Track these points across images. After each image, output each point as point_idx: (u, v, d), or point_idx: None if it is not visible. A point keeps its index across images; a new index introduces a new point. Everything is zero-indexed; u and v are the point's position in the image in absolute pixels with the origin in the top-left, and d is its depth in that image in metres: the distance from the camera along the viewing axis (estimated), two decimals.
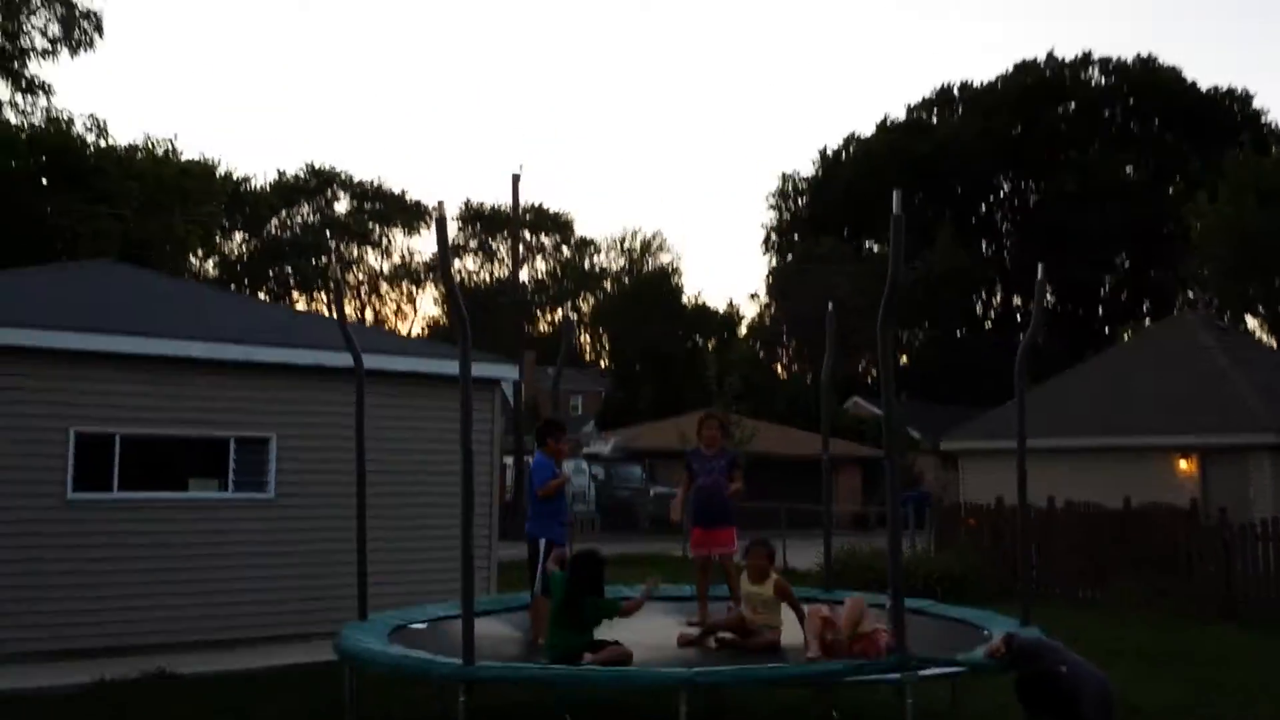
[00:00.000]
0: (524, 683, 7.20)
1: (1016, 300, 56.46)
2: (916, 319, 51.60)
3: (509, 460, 16.18)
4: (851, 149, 59.50)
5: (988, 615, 8.03)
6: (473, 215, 70.37)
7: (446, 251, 6.41)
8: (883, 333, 5.86)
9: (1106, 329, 54.53)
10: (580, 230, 77.90)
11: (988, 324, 57.20)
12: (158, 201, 35.96)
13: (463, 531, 5.83)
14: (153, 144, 36.87)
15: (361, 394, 7.58)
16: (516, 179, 32.05)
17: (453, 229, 66.58)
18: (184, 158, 37.86)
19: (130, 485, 11.20)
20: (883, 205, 6.29)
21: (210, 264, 55.71)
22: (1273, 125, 55.34)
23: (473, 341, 6.17)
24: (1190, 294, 45.12)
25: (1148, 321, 50.93)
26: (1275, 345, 37.69)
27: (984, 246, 57.40)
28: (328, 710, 6.80)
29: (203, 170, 41.54)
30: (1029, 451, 7.98)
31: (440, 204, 6.34)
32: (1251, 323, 41.58)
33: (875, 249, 53.78)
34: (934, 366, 49.91)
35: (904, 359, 52.55)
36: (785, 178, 62.75)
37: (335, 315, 10.23)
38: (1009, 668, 6.33)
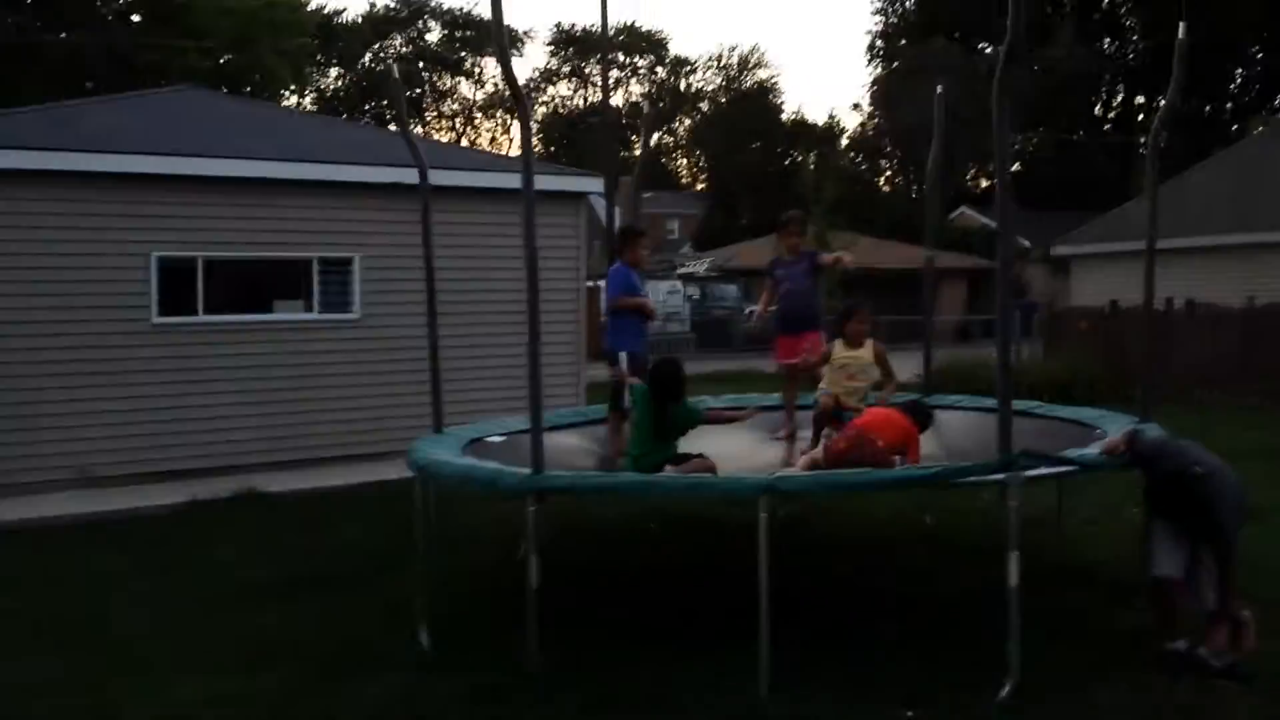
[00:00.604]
0: (593, 491, 6.92)
1: (1139, 98, 52.87)
2: (1032, 124, 48.75)
3: (603, 282, 15.76)
4: None
5: (1102, 414, 7.32)
6: (565, 39, 68.30)
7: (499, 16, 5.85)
8: (999, 95, 4.91)
9: (1235, 126, 50.78)
10: (676, 49, 75.06)
11: (1107, 126, 53.83)
12: (247, 36, 35.67)
13: (529, 335, 5.42)
14: None
15: (427, 203, 7.18)
16: None
17: (544, 54, 64.50)
18: None
19: (215, 309, 11.21)
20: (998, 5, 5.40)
21: (307, 99, 55.61)
22: None
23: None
24: None
25: None
26: None
27: (1105, 45, 53.42)
28: (406, 522, 6.73)
29: (291, 2, 40.92)
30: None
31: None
32: None
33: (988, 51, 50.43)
34: (1049, 171, 47.39)
35: (1017, 165, 50.08)
36: None
37: (399, 128, 9.77)
38: (1129, 467, 5.73)
